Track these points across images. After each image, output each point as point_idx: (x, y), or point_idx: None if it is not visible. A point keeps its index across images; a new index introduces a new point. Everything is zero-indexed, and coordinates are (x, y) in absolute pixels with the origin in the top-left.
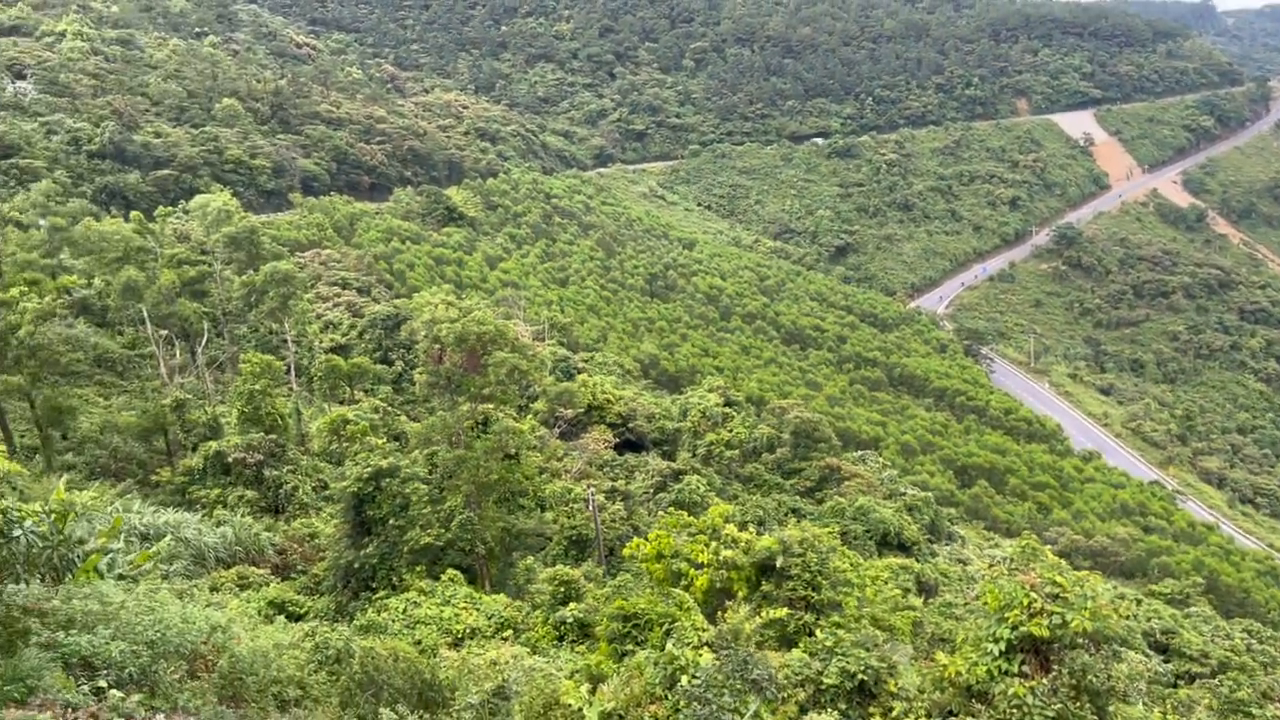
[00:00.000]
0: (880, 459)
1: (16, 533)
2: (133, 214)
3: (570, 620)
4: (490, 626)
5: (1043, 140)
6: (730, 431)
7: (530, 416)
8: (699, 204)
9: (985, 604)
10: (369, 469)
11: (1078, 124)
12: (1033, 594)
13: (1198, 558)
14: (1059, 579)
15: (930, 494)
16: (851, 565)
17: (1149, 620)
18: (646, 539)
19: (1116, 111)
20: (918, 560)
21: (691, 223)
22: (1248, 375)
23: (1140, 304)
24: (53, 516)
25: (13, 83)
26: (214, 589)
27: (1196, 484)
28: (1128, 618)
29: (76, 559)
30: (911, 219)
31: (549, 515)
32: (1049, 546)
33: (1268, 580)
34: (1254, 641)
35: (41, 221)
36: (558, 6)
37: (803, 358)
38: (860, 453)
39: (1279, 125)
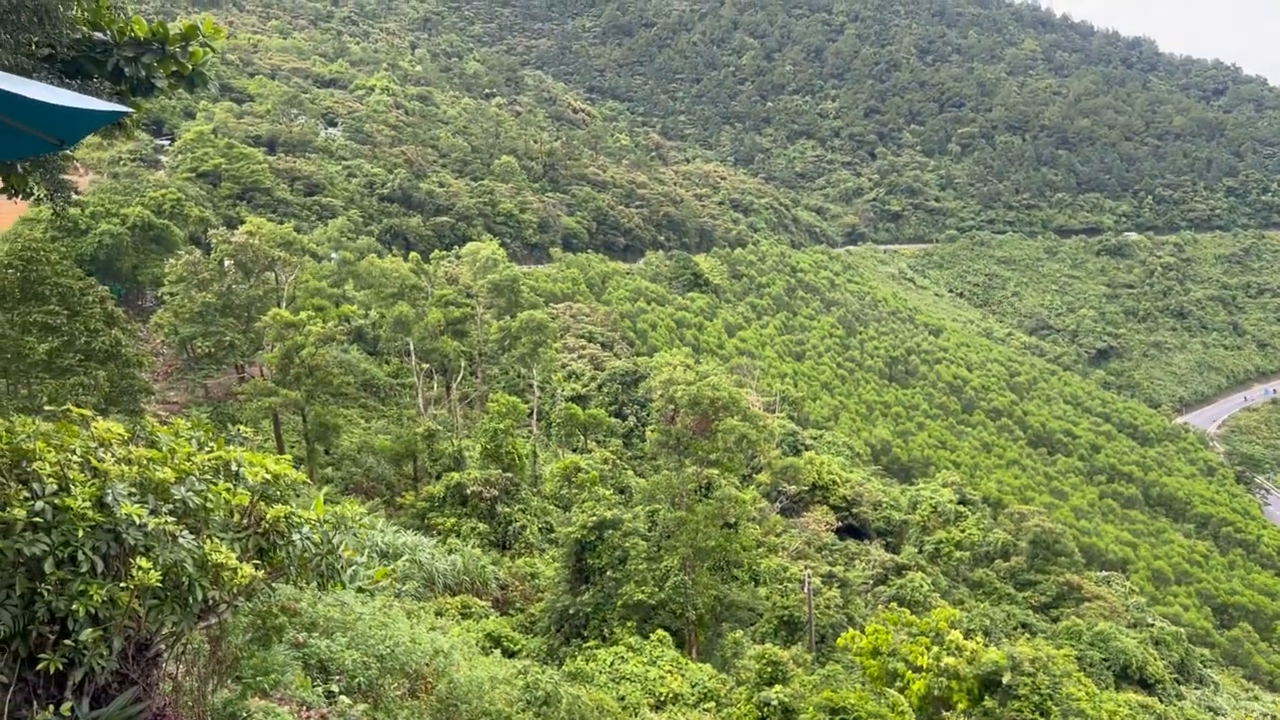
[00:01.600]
0: (1127, 583)
1: (295, 537)
2: (411, 254)
3: (775, 703)
4: (693, 695)
5: None
6: (962, 531)
7: (753, 488)
8: (950, 290)
9: None
10: (594, 518)
11: None
12: None
13: None
14: None
15: (1182, 629)
16: (1087, 695)
17: None
18: (863, 631)
19: None
20: (1161, 700)
21: (941, 309)
22: None
23: None
24: (325, 525)
25: (325, 129)
26: (439, 613)
27: None
28: None
29: (341, 568)
30: (1186, 328)
31: (762, 591)
32: None
33: None
34: None
35: (334, 254)
36: (825, 86)
37: (1049, 463)
38: (1105, 573)
39: None
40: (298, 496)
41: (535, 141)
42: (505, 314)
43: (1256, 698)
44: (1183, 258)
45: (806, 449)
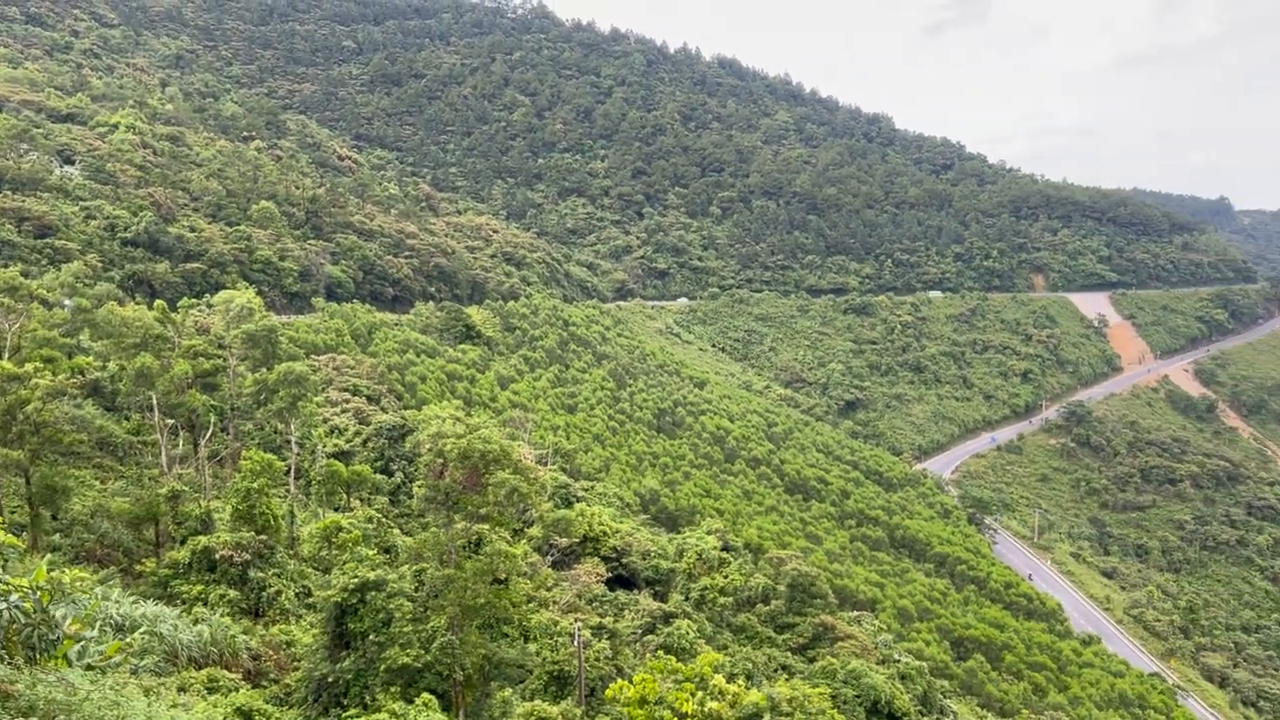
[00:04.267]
0: (876, 622)
1: (1, 605)
2: (157, 303)
3: None
4: None
5: (1057, 317)
6: (726, 578)
7: (525, 542)
8: (714, 345)
9: None
10: (355, 579)
11: (1093, 305)
12: None
13: None
14: None
15: (925, 664)
16: None
17: None
18: (631, 682)
19: (1131, 296)
20: None
21: (705, 362)
22: (1254, 572)
23: (1147, 489)
24: (39, 594)
25: (60, 166)
26: (182, 689)
27: (1198, 680)
28: None
29: (57, 641)
30: (923, 381)
31: (533, 647)
32: None
33: None
34: None
35: (67, 302)
36: (594, 145)
37: (805, 509)
38: (856, 613)
39: None
40: (4, 562)
41: (297, 187)
42: (261, 366)
43: None
44: (919, 316)
45: (578, 501)
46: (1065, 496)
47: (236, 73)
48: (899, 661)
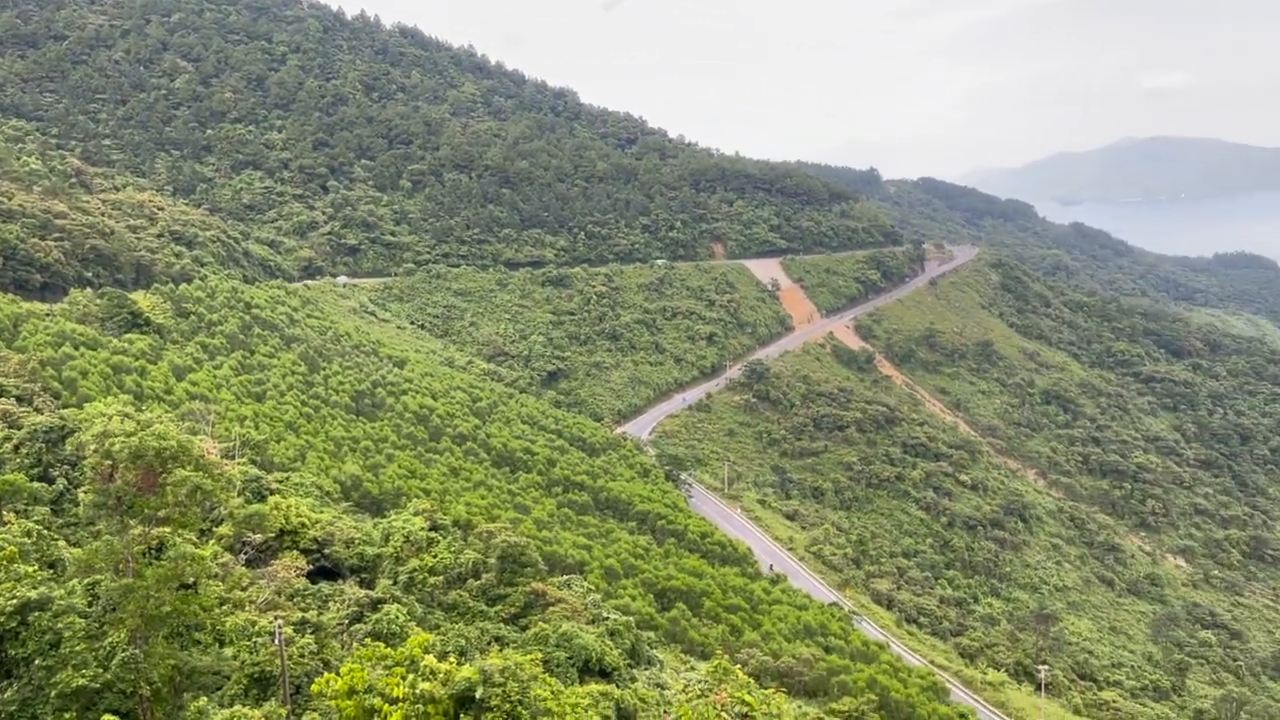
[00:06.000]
0: (585, 583)
1: None
2: None
3: None
4: None
5: (736, 283)
6: (435, 557)
7: (214, 542)
8: (412, 322)
9: None
10: (14, 601)
11: (766, 270)
12: (723, 714)
13: (871, 675)
14: (748, 698)
15: (632, 618)
16: (553, 693)
17: None
18: (338, 674)
19: (799, 261)
20: (618, 686)
21: (404, 341)
22: (910, 504)
23: (820, 436)
24: None
25: None
26: None
27: (869, 605)
28: None
29: None
30: (619, 348)
31: (229, 651)
32: (740, 667)
33: (929, 695)
34: None
35: None
36: (270, 116)
37: (512, 480)
38: (566, 577)
39: (932, 282)
40: None
41: None
42: None
43: (693, 667)
44: (612, 286)
45: (272, 493)
46: (750, 448)
47: None
48: (608, 619)
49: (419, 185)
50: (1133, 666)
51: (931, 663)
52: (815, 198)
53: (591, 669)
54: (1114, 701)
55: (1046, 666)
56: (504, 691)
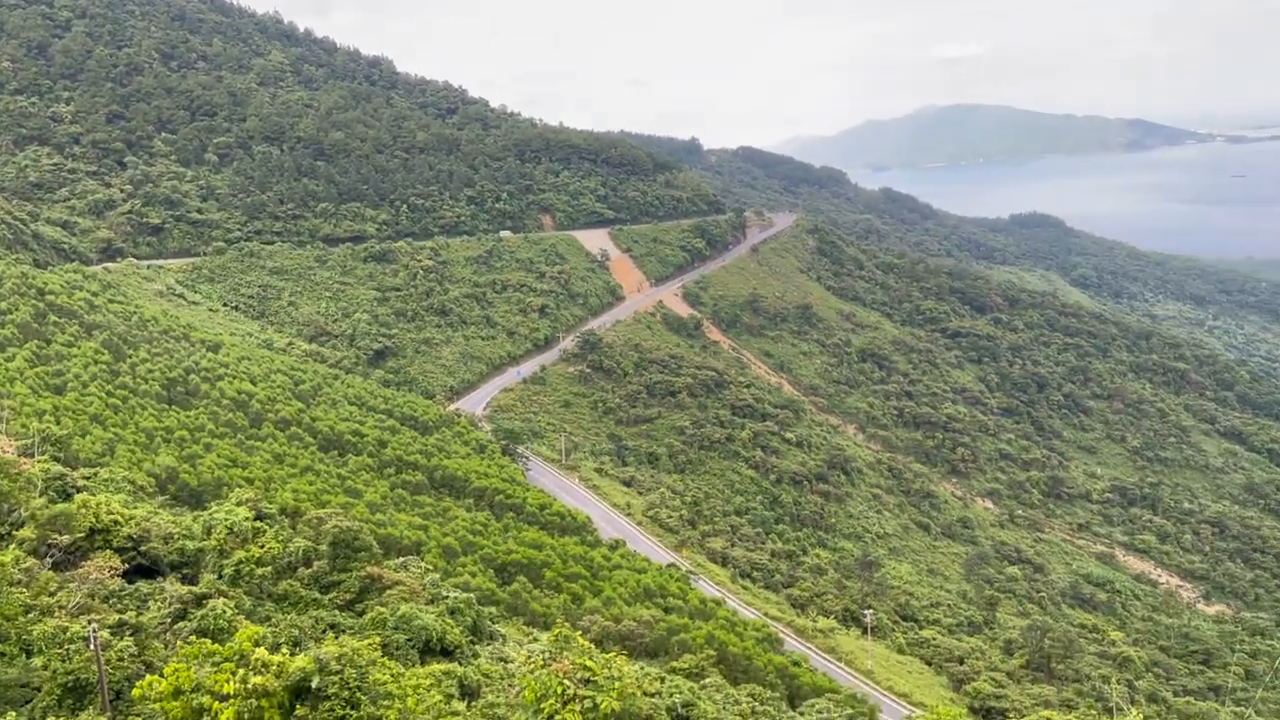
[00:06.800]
0: (423, 564)
1: None
2: None
3: None
4: None
5: (566, 254)
6: (262, 548)
7: (14, 547)
8: (226, 304)
9: (524, 698)
10: None
11: (595, 241)
12: (566, 681)
13: (709, 631)
14: (589, 664)
15: (472, 595)
16: (393, 676)
17: (671, 696)
18: (162, 675)
19: (627, 231)
20: (461, 664)
21: (217, 324)
22: (740, 464)
23: (653, 402)
24: None
25: None
26: None
27: (706, 563)
28: (652, 694)
29: None
30: (449, 324)
31: (38, 661)
32: (583, 634)
33: (765, 646)
34: (757, 704)
35: None
36: (55, 87)
37: (342, 464)
38: (403, 559)
39: (754, 249)
40: None
41: None
42: None
43: (536, 639)
44: (439, 261)
45: (79, 491)
46: (586, 418)
47: None
48: (448, 598)
49: (226, 159)
50: (949, 605)
51: (766, 615)
52: (640, 168)
53: (433, 649)
54: (933, 639)
55: (871, 610)
56: (341, 679)
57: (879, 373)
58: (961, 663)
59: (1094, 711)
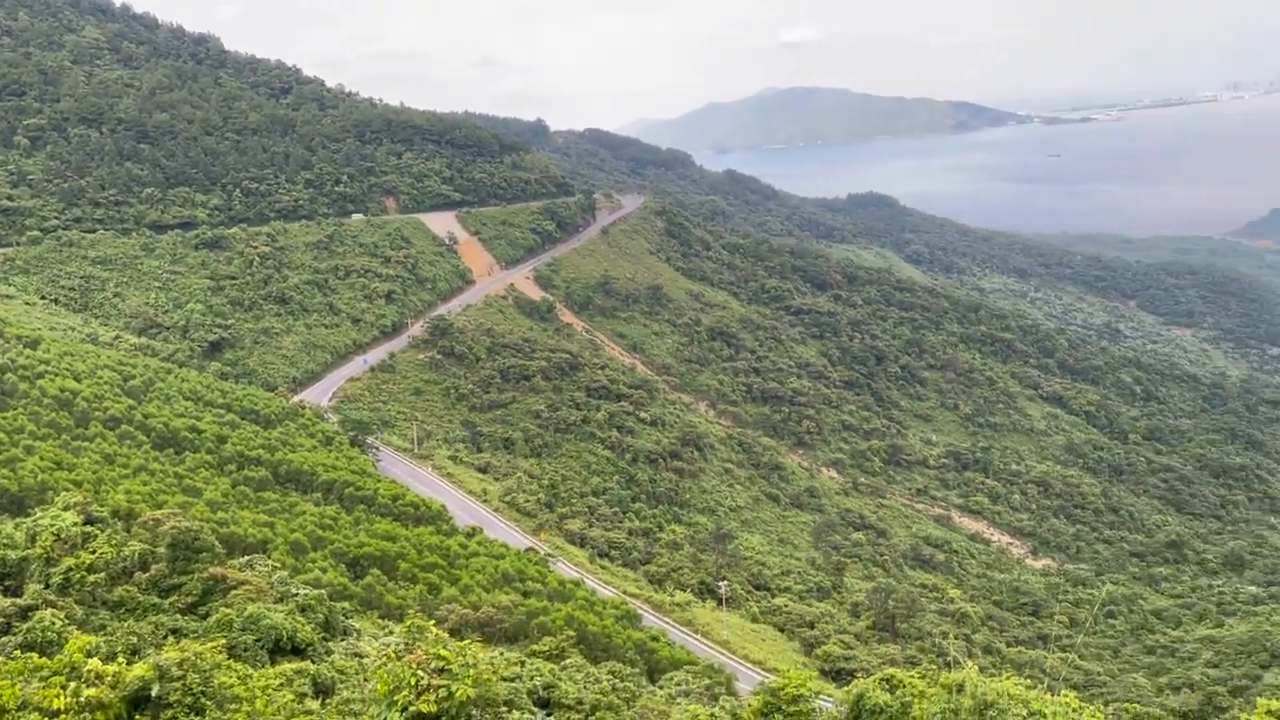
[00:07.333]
0: (270, 561)
1: None
2: None
3: None
4: None
5: (412, 238)
6: (93, 553)
7: None
8: (43, 297)
9: (377, 692)
10: None
11: (442, 224)
12: (419, 672)
13: (569, 613)
14: (443, 653)
15: (324, 591)
16: (240, 679)
17: (532, 679)
18: None
19: (475, 213)
20: (314, 662)
21: (35, 318)
22: (597, 444)
23: (508, 387)
24: None
25: None
26: None
27: (564, 545)
28: (512, 679)
29: None
30: (290, 312)
31: None
32: (438, 624)
33: (624, 624)
34: (617, 681)
35: None
36: None
37: (179, 462)
38: (248, 558)
39: (604, 231)
40: None
41: None
42: None
43: (391, 632)
44: (277, 247)
45: None
46: (438, 405)
47: None
48: (297, 595)
49: (39, 142)
50: (799, 572)
51: (624, 592)
52: (486, 149)
53: (284, 648)
54: (785, 606)
55: (726, 582)
56: (184, 685)
57: (728, 350)
58: (812, 627)
59: (935, 666)
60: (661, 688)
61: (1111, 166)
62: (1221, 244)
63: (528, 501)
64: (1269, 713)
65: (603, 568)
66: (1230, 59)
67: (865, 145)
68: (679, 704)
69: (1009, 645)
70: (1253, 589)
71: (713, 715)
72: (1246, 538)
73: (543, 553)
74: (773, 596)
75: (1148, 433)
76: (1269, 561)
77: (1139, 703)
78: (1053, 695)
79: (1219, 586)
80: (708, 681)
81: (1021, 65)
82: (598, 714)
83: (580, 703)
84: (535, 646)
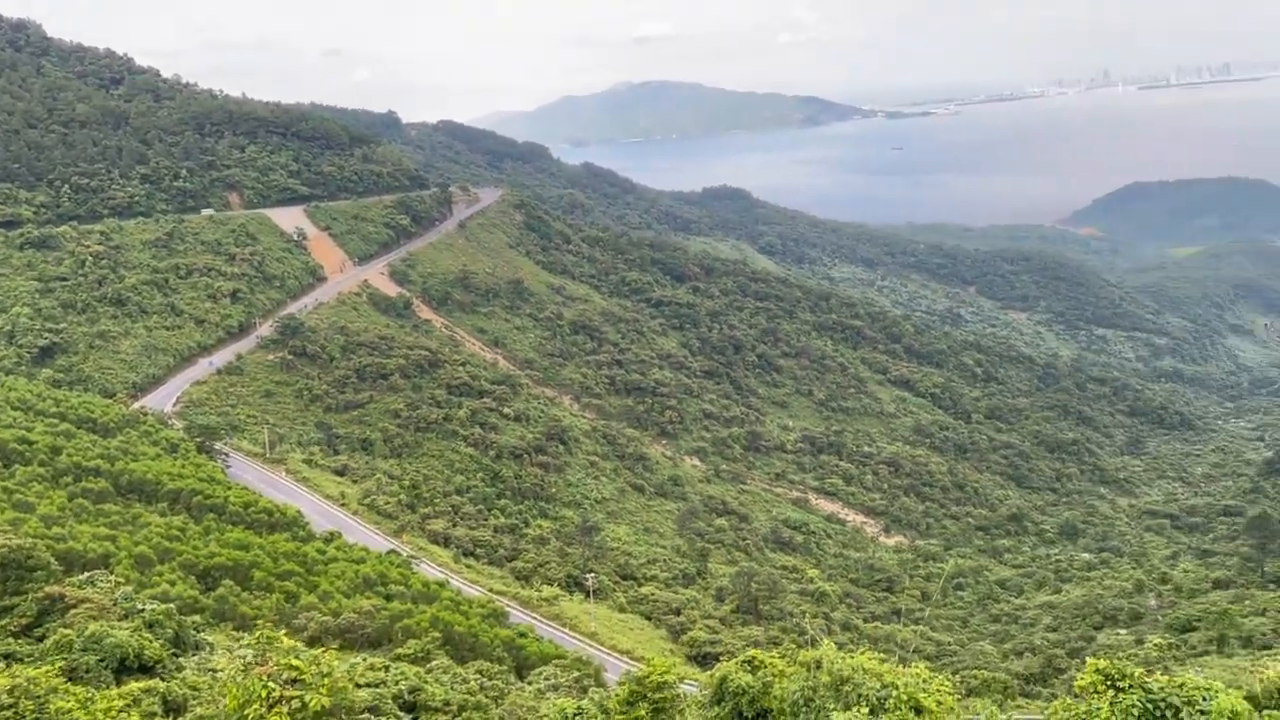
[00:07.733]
0: (113, 577)
1: None
2: None
3: None
4: None
5: (258, 234)
6: None
7: None
8: None
9: (228, 707)
10: None
11: (290, 219)
12: (270, 684)
13: (434, 614)
14: (295, 663)
15: (172, 605)
16: (80, 703)
17: (397, 683)
18: None
19: (325, 208)
20: (163, 679)
21: None
22: (459, 442)
23: (364, 386)
24: None
25: None
26: None
27: (428, 546)
28: (375, 685)
29: None
30: (127, 314)
31: None
32: (298, 632)
33: (490, 622)
34: (485, 680)
35: None
36: None
37: (8, 476)
38: (88, 574)
39: (461, 225)
40: None
41: None
42: None
43: (246, 644)
44: (112, 245)
45: None
46: (291, 407)
47: None
48: (143, 611)
49: None
50: (665, 560)
51: (490, 590)
52: (335, 142)
53: (130, 667)
54: (652, 594)
55: (593, 574)
56: (15, 712)
57: (591, 343)
58: (678, 614)
59: (795, 645)
60: (530, 683)
61: (951, 158)
62: (1051, 231)
63: (388, 503)
64: (1097, 670)
65: (468, 567)
66: (1055, 57)
67: (718, 139)
68: (548, 699)
69: (865, 621)
70: (1086, 556)
71: (580, 708)
72: (1079, 508)
73: (405, 555)
74: (639, 586)
75: (989, 412)
76: (1099, 530)
77: (986, 669)
78: (905, 667)
79: (1056, 555)
80: (576, 674)
81: (863, 62)
82: (465, 714)
83: (447, 704)
84: (400, 650)
